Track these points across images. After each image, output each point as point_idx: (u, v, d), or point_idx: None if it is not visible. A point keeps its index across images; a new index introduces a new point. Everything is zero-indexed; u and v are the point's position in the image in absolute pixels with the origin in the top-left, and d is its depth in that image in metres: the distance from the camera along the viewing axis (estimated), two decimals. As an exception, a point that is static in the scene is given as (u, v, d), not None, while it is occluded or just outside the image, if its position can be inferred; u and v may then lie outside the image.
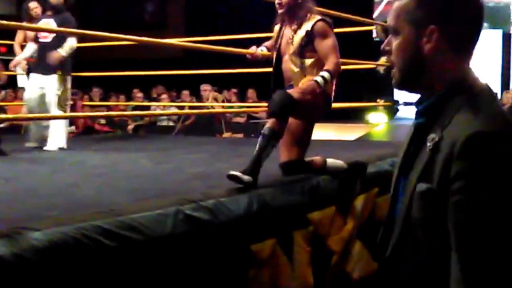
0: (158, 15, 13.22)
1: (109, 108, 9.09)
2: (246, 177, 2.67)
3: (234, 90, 9.28)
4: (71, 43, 4.96)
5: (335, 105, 5.60)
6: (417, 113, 1.28)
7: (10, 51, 6.77)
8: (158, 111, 8.34)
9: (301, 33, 3.00)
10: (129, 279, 1.97)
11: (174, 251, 2.17)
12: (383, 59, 5.47)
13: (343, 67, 5.62)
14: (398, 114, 10.60)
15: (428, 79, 1.23)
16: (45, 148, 4.81)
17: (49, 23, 4.99)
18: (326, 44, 2.96)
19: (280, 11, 3.06)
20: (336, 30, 5.27)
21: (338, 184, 3.21)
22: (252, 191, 2.67)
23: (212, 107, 8.00)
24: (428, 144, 1.17)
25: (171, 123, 8.80)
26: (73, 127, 6.97)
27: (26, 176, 3.40)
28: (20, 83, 9.33)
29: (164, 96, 9.31)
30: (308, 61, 3.00)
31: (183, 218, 2.22)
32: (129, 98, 9.80)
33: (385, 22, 4.87)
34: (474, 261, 1.08)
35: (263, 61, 3.32)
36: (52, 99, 4.91)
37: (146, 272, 2.02)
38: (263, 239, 2.60)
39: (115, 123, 9.01)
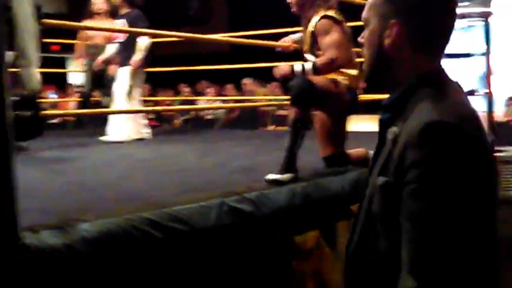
0: (203, 10, 13.30)
1: (157, 103, 9.22)
2: (284, 176, 2.65)
3: (277, 84, 9.26)
4: (142, 43, 5.01)
5: (380, 96, 5.51)
6: (382, 109, 1.26)
7: (63, 49, 6.92)
8: (203, 105, 8.40)
9: (310, 31, 2.97)
10: (175, 270, 2.01)
11: (219, 242, 2.19)
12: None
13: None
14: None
15: (390, 75, 1.21)
16: (101, 138, 4.94)
17: (123, 22, 5.07)
18: (326, 41, 2.89)
19: (292, 10, 3.05)
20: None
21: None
22: (295, 183, 2.67)
23: (256, 100, 8.00)
24: (390, 137, 1.16)
25: (216, 117, 8.86)
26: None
27: (77, 169, 3.49)
28: (71, 80, 9.56)
29: (209, 90, 9.38)
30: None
31: (227, 210, 2.24)
32: (176, 93, 9.91)
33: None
34: (425, 250, 1.04)
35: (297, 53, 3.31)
36: (119, 89, 5.01)
37: (191, 263, 2.05)
38: (307, 230, 2.59)
39: (163, 118, 9.14)
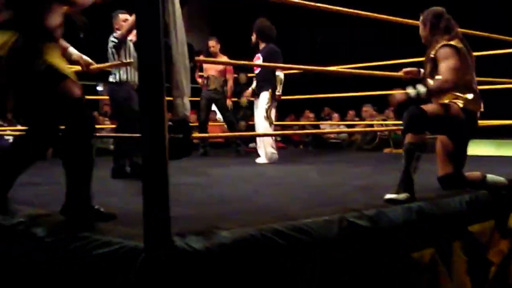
0: (326, 45, 13.31)
1: (284, 127, 9.34)
2: (401, 196, 2.57)
3: (392, 108, 9.00)
4: (281, 77, 5.12)
5: (496, 122, 5.16)
6: None
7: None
8: (326, 129, 8.38)
9: (431, 58, 2.92)
10: (296, 276, 2.01)
11: (339, 254, 2.16)
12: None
13: (504, 86, 5.21)
14: None
15: None
16: (258, 160, 5.07)
17: (258, 56, 5.18)
18: (444, 65, 2.80)
19: (423, 42, 3.05)
20: (496, 51, 4.92)
21: (498, 199, 2.96)
22: (411, 202, 2.57)
23: (373, 125, 7.83)
24: None
25: (338, 140, 8.79)
26: (254, 144, 7.28)
27: (218, 185, 3.62)
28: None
29: (335, 115, 9.35)
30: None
31: (347, 225, 2.20)
32: (300, 117, 9.98)
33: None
34: None
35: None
36: (260, 112, 5.11)
37: (312, 271, 2.04)
38: (423, 247, 2.48)
39: (289, 140, 9.23)
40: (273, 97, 5.10)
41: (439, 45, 2.88)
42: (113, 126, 4.83)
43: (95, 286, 1.81)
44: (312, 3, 3.42)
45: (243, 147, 6.07)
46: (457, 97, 2.86)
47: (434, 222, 2.56)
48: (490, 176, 2.99)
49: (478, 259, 2.74)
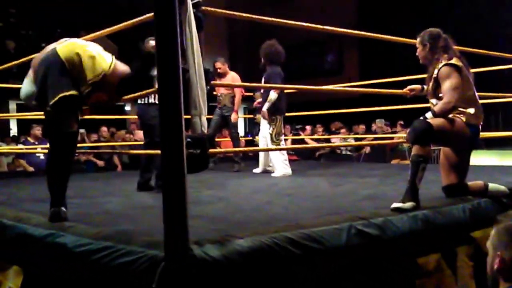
0: (336, 63, 13.35)
1: (295, 140, 9.33)
2: (407, 205, 2.56)
3: (401, 123, 8.95)
4: (271, 97, 5.06)
5: (498, 133, 5.09)
6: None
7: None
8: (336, 143, 8.36)
9: (433, 77, 2.93)
10: (307, 283, 2.00)
11: (348, 261, 2.16)
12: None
13: (507, 100, 5.17)
14: None
15: None
16: (272, 174, 5.05)
17: (264, 78, 5.13)
18: (445, 86, 2.83)
19: (420, 62, 3.07)
20: (494, 68, 4.89)
21: (500, 206, 2.93)
22: (417, 210, 2.55)
23: (381, 138, 7.79)
24: None
25: (348, 153, 8.76)
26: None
27: (234, 196, 3.63)
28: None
29: (343, 130, 9.33)
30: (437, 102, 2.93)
31: (356, 233, 2.20)
32: (313, 132, 9.98)
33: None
34: None
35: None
36: (266, 136, 5.13)
37: (322, 277, 2.03)
38: (428, 253, 2.46)
39: (301, 153, 9.22)
40: (274, 120, 5.05)
41: (440, 64, 2.89)
42: (141, 143, 4.88)
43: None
44: (322, 27, 3.43)
45: (242, 164, 5.97)
46: (460, 112, 2.87)
47: (438, 229, 2.55)
48: (492, 185, 2.98)
49: (482, 264, 2.70)
